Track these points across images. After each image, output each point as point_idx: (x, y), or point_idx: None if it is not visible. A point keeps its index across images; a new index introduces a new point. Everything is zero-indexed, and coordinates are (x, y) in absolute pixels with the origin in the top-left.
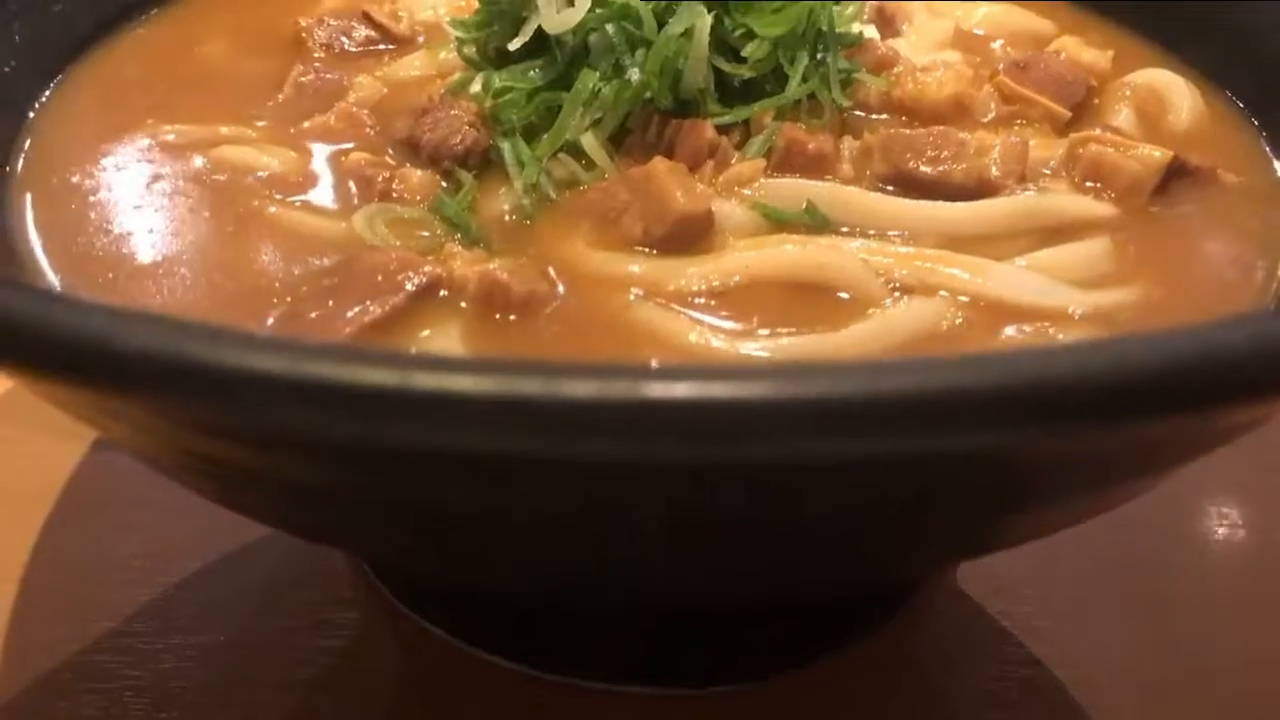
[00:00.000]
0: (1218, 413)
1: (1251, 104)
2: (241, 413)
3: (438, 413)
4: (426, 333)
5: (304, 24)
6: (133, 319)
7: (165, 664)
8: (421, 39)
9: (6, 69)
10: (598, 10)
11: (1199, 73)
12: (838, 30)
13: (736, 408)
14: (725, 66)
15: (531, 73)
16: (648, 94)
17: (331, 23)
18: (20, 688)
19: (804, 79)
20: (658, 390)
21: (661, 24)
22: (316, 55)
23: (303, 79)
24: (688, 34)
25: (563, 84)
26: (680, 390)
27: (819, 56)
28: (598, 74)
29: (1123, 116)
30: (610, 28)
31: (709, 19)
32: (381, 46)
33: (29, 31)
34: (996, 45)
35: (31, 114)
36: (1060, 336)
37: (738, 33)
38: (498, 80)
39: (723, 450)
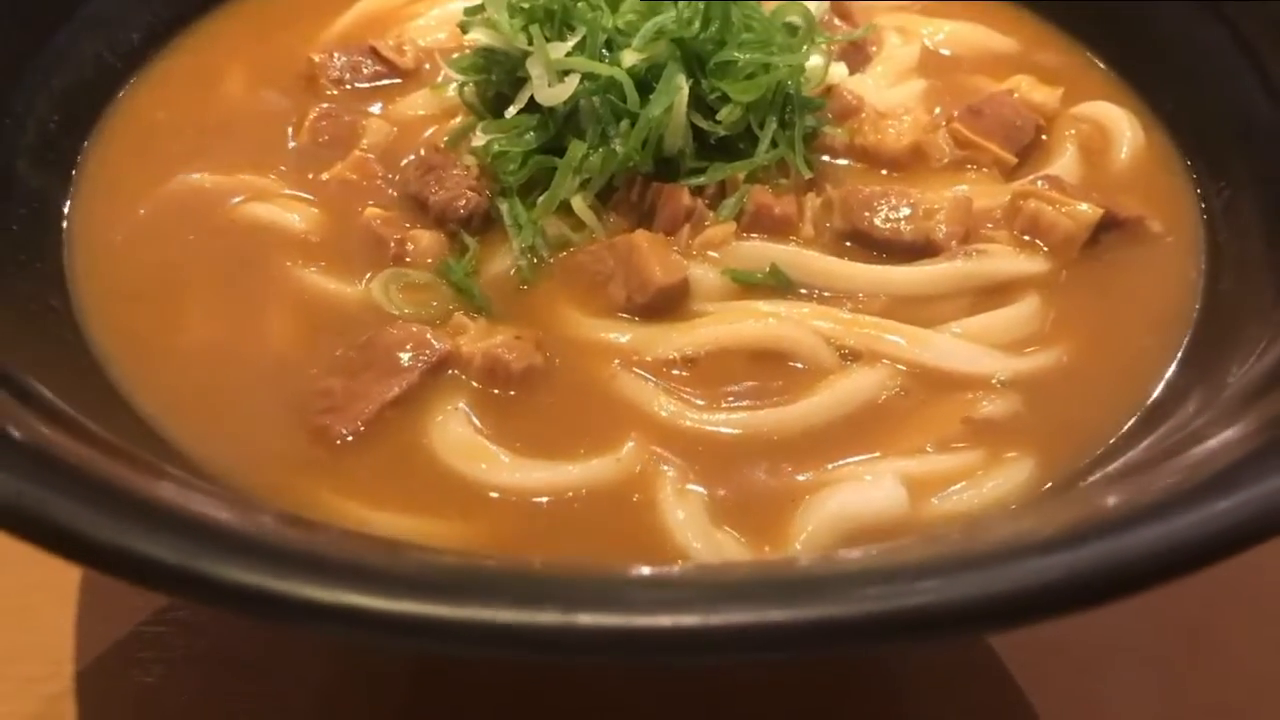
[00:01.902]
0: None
1: (1186, 145)
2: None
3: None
4: (440, 418)
5: (316, 60)
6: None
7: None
8: (427, 66)
9: (51, 125)
10: (585, 83)
11: (1145, 102)
12: (804, 94)
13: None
14: (702, 124)
15: (526, 136)
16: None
17: (341, 59)
18: (94, 654)
19: (773, 143)
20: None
21: (644, 89)
22: (329, 92)
23: (319, 124)
24: (668, 110)
25: (554, 148)
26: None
27: (787, 117)
28: (586, 144)
29: (1067, 157)
30: (596, 99)
31: (686, 91)
32: (388, 81)
33: (63, 82)
34: (964, 58)
35: (75, 170)
36: (986, 405)
37: (713, 96)
38: (496, 145)
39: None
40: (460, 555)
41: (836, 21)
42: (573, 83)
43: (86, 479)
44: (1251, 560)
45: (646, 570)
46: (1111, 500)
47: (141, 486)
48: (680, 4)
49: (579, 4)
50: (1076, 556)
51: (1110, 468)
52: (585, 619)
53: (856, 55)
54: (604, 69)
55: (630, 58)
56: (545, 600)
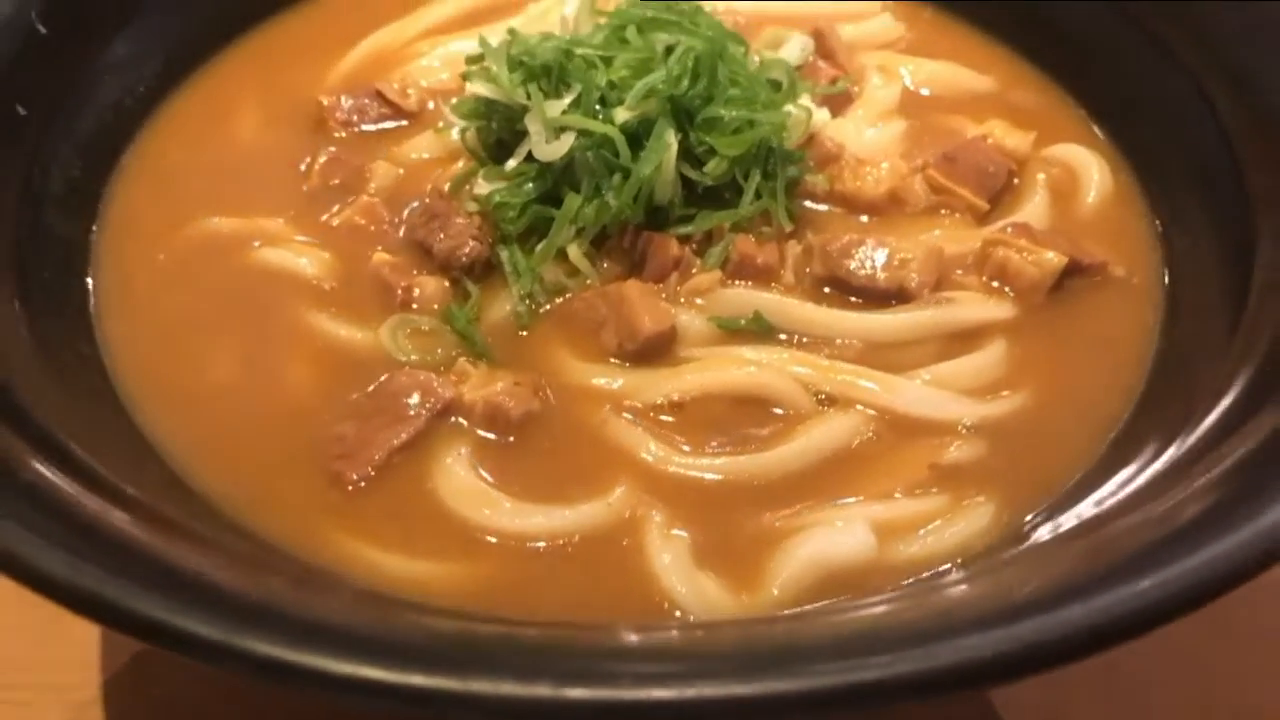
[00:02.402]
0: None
1: (1151, 190)
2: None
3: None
4: (446, 462)
5: (325, 103)
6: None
7: None
8: (431, 106)
9: (75, 172)
10: (581, 139)
11: (1115, 144)
12: (786, 148)
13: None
14: (691, 174)
15: (525, 187)
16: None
17: (348, 101)
18: (119, 665)
19: (757, 194)
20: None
21: (635, 141)
22: (337, 134)
23: (328, 167)
24: (658, 167)
25: (552, 198)
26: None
27: (770, 169)
28: (581, 196)
29: (1036, 202)
30: (591, 155)
31: (675, 147)
32: (393, 124)
33: (86, 129)
34: (943, 97)
35: (98, 215)
36: (952, 450)
37: (701, 148)
38: (497, 196)
39: None
40: (463, 623)
41: (821, 64)
42: (569, 139)
43: (126, 551)
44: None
45: (633, 639)
46: (1049, 570)
47: (178, 557)
48: (670, 62)
49: (574, 61)
50: (1007, 634)
51: (1058, 526)
52: (574, 693)
53: (839, 97)
54: (598, 126)
55: (623, 114)
56: (539, 675)
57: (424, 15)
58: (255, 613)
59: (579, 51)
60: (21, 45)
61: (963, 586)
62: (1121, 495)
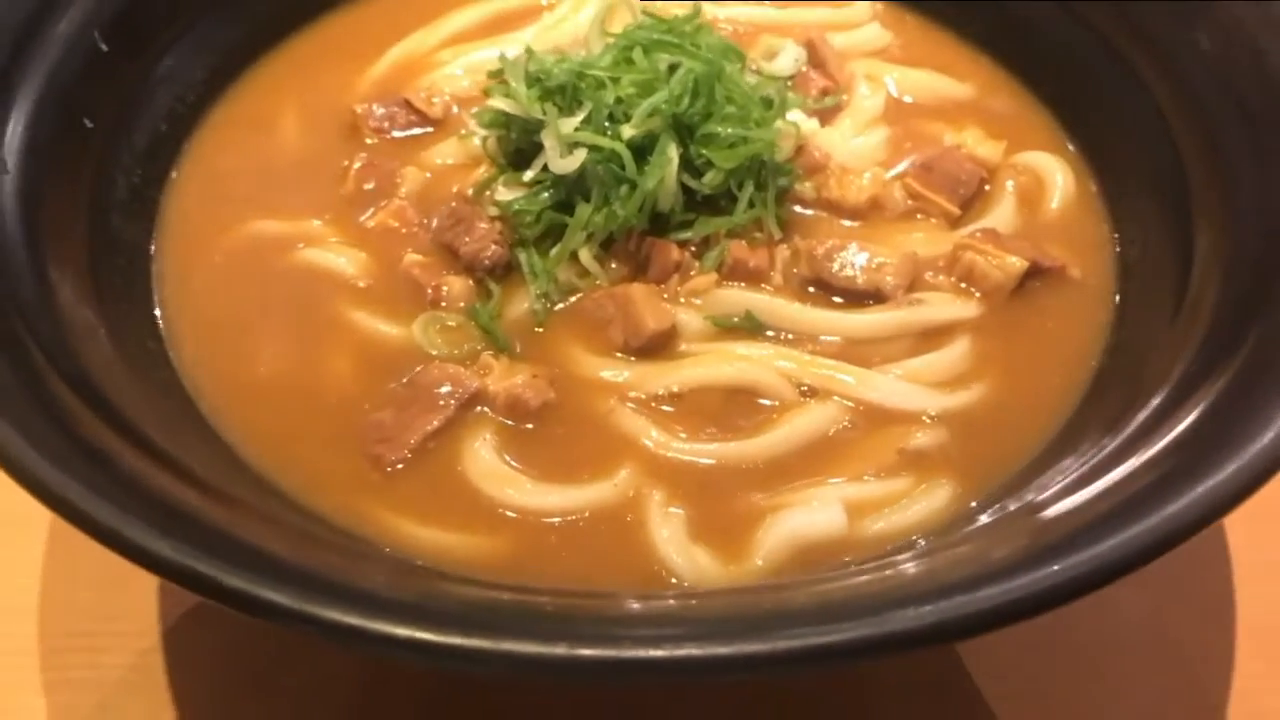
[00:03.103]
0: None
1: (1110, 195)
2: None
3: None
4: (474, 446)
5: (359, 111)
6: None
7: None
8: (455, 110)
9: (136, 178)
10: (592, 154)
11: (1081, 150)
12: (777, 161)
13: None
14: (690, 183)
15: (541, 196)
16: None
17: (380, 110)
18: (179, 614)
19: (750, 203)
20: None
21: (640, 154)
22: (369, 141)
23: (363, 172)
24: (661, 180)
25: (565, 205)
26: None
27: (762, 180)
28: (591, 205)
29: (1004, 207)
30: (600, 168)
31: (676, 161)
32: (421, 130)
33: (144, 136)
34: (924, 104)
35: (156, 218)
36: (918, 437)
37: (699, 160)
38: (516, 204)
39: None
40: (493, 592)
41: (812, 73)
42: (581, 155)
43: (215, 532)
44: None
45: (635, 606)
46: (989, 548)
47: (253, 535)
48: (672, 82)
49: (585, 81)
50: (950, 604)
51: (1003, 507)
52: (586, 652)
53: (830, 113)
54: (607, 143)
55: (629, 131)
56: (557, 638)
57: (445, 24)
58: (321, 583)
59: (590, 72)
60: (86, 62)
61: (914, 564)
62: (1063, 480)
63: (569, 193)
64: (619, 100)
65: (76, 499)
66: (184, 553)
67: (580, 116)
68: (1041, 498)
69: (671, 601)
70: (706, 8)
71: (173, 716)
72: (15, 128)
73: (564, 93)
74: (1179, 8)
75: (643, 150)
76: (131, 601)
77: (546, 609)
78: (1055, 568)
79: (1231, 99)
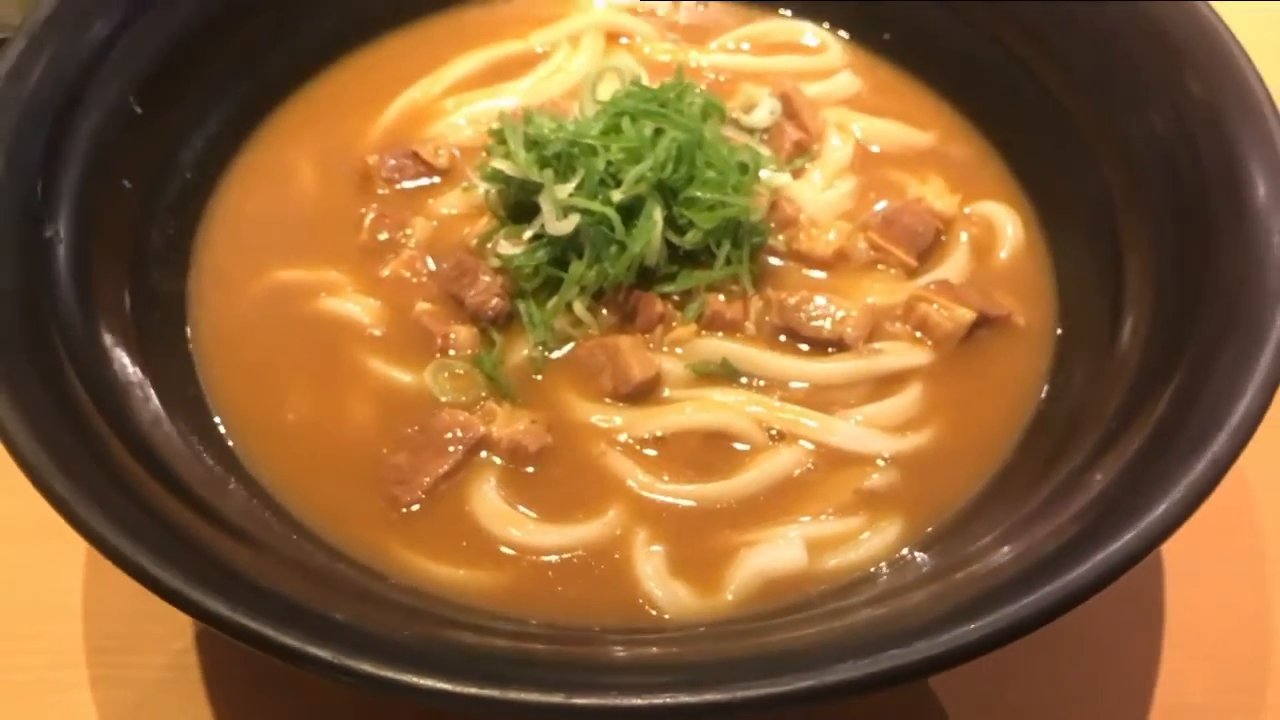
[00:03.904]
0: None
1: (1055, 245)
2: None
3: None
4: (480, 488)
5: (371, 162)
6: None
7: None
8: (458, 153)
9: (170, 231)
10: (584, 216)
11: (1031, 199)
12: (752, 221)
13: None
14: (674, 239)
15: (538, 253)
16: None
17: (390, 161)
18: None
19: (727, 260)
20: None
21: (628, 214)
22: (381, 191)
23: (376, 223)
24: (647, 241)
25: (560, 260)
26: None
27: (739, 239)
28: (584, 262)
29: (957, 258)
30: (592, 230)
31: (661, 223)
32: (428, 181)
33: (175, 188)
34: (888, 153)
35: (188, 269)
36: (872, 478)
37: (682, 220)
38: (515, 260)
39: None
40: (495, 639)
41: (787, 125)
42: (575, 218)
43: (261, 592)
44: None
45: (630, 652)
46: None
47: (289, 589)
48: (657, 150)
49: (579, 149)
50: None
51: (939, 550)
52: (580, 700)
53: (799, 153)
54: (598, 207)
55: (618, 195)
56: (557, 687)
57: (448, 72)
58: (356, 638)
59: (583, 140)
60: (123, 126)
61: (859, 613)
62: (989, 534)
63: (564, 250)
64: (609, 164)
65: (147, 564)
66: (241, 613)
67: (574, 183)
68: (964, 554)
69: (656, 650)
70: (692, 55)
71: (206, 711)
72: (65, 198)
73: (560, 159)
74: (1132, 90)
75: (631, 210)
76: (166, 605)
77: (548, 657)
78: (970, 626)
79: (1165, 170)
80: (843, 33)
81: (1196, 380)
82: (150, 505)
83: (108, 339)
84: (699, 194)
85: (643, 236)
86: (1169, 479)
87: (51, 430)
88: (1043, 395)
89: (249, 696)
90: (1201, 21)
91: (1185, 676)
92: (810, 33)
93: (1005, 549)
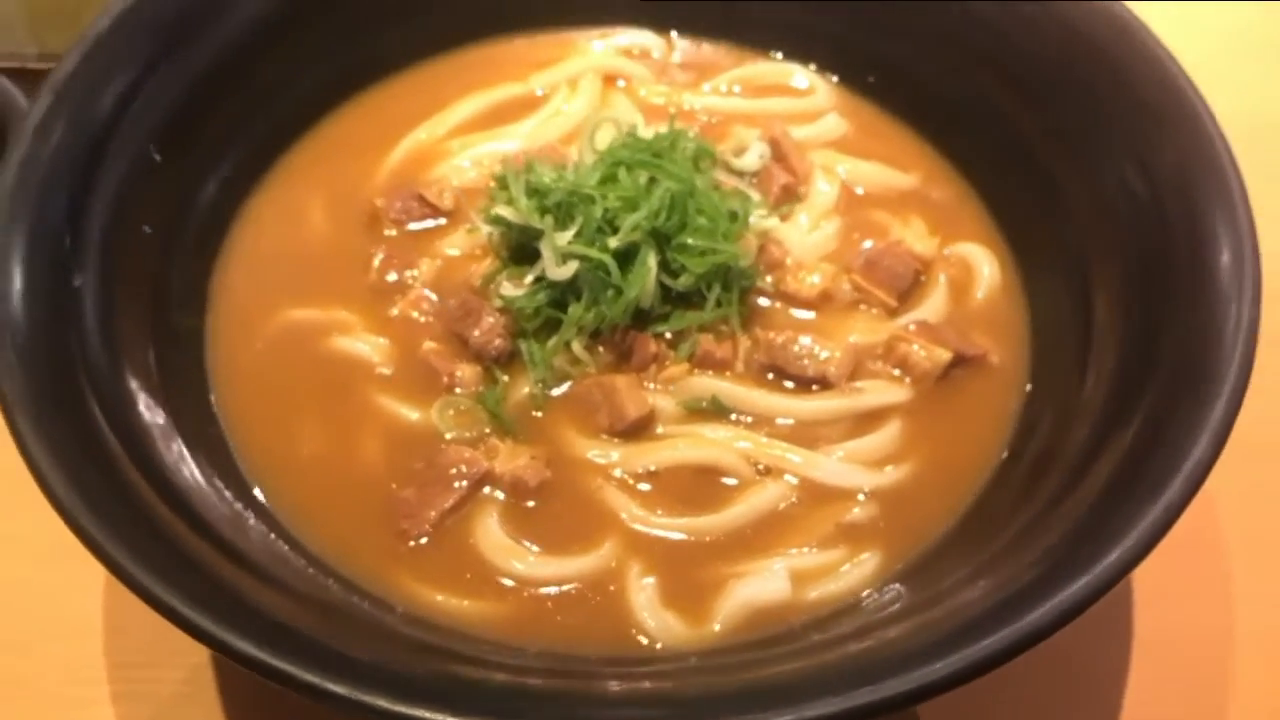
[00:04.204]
0: None
1: (1030, 286)
2: None
3: None
4: (484, 522)
5: (380, 204)
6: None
7: None
8: (461, 189)
9: (188, 274)
10: (583, 263)
11: (1006, 240)
12: (741, 267)
13: None
14: (667, 281)
15: (539, 295)
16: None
17: (398, 204)
18: None
19: (718, 303)
20: None
21: (624, 259)
22: (389, 233)
23: (384, 264)
24: (642, 286)
25: (559, 304)
26: None
27: (728, 283)
28: (582, 305)
29: (935, 299)
30: (590, 275)
31: (655, 268)
32: (434, 223)
33: (195, 228)
34: (871, 194)
35: (206, 310)
36: (854, 512)
37: (675, 264)
38: (517, 302)
39: None
40: (498, 673)
41: (775, 169)
42: (574, 265)
43: (277, 627)
44: None
45: (625, 686)
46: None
47: (306, 625)
48: (651, 200)
49: (578, 197)
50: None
51: (913, 584)
52: None
53: (788, 198)
54: (595, 254)
55: (615, 242)
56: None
57: (451, 114)
58: (377, 676)
59: (582, 190)
60: (144, 175)
61: (839, 648)
62: (970, 561)
63: (563, 293)
64: (606, 211)
65: (181, 607)
66: (266, 651)
67: (573, 231)
68: (938, 589)
69: (649, 684)
70: (685, 98)
71: None
72: (91, 247)
73: (560, 207)
74: (1106, 144)
75: (627, 255)
76: None
77: (543, 690)
78: (936, 665)
79: (1134, 225)
80: (832, 76)
81: (1154, 429)
82: (179, 547)
83: (133, 383)
84: (691, 241)
85: (638, 283)
86: (1125, 525)
87: (89, 481)
88: (1013, 432)
89: (263, 710)
90: (1170, 83)
91: (1154, 689)
92: (799, 74)
93: (976, 585)
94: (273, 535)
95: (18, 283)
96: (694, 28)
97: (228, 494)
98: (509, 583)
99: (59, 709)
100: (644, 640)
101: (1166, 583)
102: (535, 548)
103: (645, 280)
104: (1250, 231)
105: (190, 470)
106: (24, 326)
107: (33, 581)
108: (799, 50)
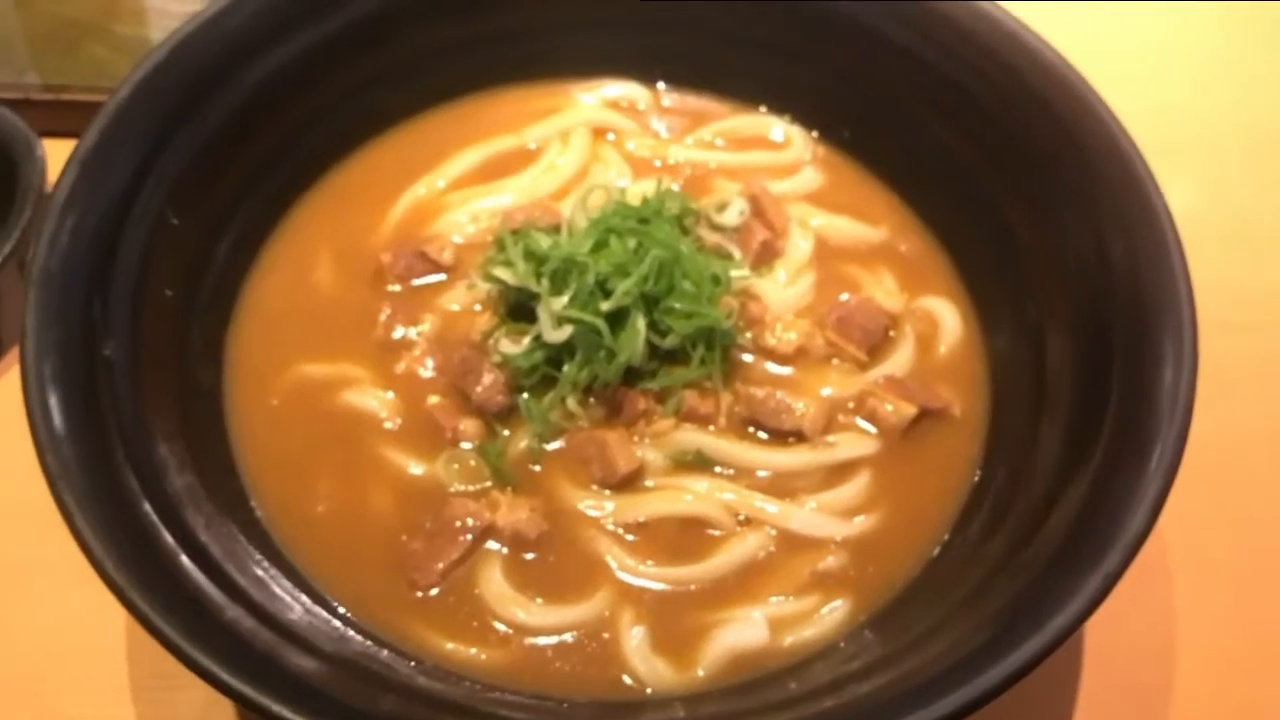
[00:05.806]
0: None
1: (990, 339)
2: None
3: None
4: (487, 573)
5: (385, 260)
6: None
7: None
8: (459, 241)
9: (205, 331)
10: (577, 326)
11: (970, 293)
12: (724, 328)
13: None
14: (655, 339)
15: (535, 355)
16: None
17: (401, 261)
18: None
19: (701, 361)
20: None
21: (616, 319)
22: (392, 288)
23: (389, 319)
24: (632, 349)
25: (554, 363)
26: None
27: (711, 343)
28: (576, 364)
29: (902, 353)
30: (583, 337)
31: (644, 330)
32: (435, 278)
33: (211, 284)
34: (843, 248)
35: (222, 365)
36: (827, 560)
37: (662, 325)
38: (515, 361)
39: None
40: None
41: (755, 225)
42: (569, 328)
43: (305, 688)
44: None
45: None
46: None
47: (332, 685)
48: (641, 267)
49: (572, 264)
50: None
51: (878, 632)
52: None
53: (766, 252)
54: (589, 319)
55: (607, 306)
56: None
57: (450, 167)
58: None
59: (577, 258)
60: (163, 239)
61: (815, 703)
62: (933, 612)
63: (559, 352)
64: (598, 275)
65: (227, 677)
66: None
67: (568, 296)
68: (903, 640)
69: None
70: (670, 151)
71: None
72: (118, 317)
73: (555, 274)
74: (1062, 213)
75: (618, 317)
76: None
77: None
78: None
79: (1085, 293)
80: (813, 132)
81: (1097, 496)
82: (217, 617)
83: (163, 449)
84: (678, 305)
85: (629, 345)
86: (1067, 593)
87: (133, 559)
88: (973, 485)
89: None
90: (1125, 163)
91: (1102, 703)
92: (778, 127)
93: (938, 639)
94: (300, 592)
95: (55, 361)
96: (678, 80)
97: (255, 553)
98: (510, 631)
99: None
100: (634, 685)
101: (1118, 606)
102: (534, 597)
103: (635, 343)
104: (1192, 337)
105: (220, 533)
106: (62, 401)
107: (56, 608)
108: (779, 103)
